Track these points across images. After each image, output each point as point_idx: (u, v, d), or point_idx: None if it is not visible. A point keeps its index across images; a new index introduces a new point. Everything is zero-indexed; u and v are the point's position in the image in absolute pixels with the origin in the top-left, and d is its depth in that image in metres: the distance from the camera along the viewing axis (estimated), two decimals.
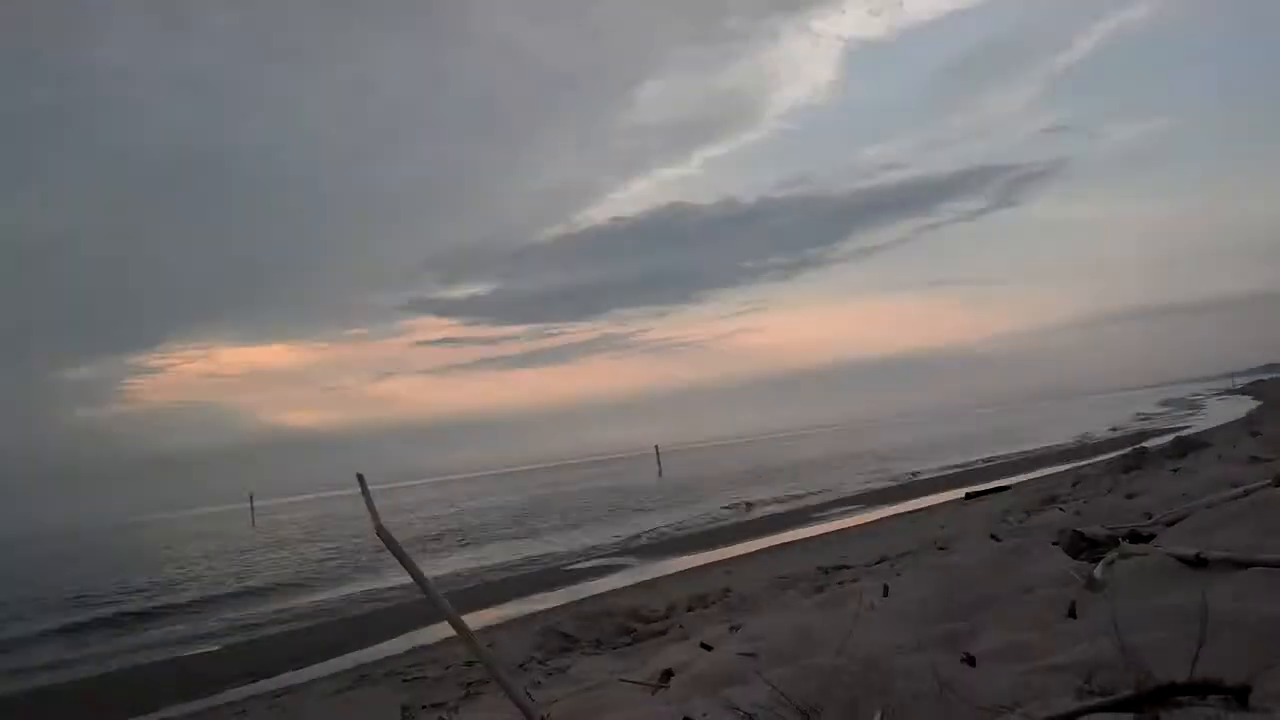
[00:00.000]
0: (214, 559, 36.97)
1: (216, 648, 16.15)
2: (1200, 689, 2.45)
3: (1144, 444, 20.29)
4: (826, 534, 19.99)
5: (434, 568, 23.05)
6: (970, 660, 3.34)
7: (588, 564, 21.15)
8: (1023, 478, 24.72)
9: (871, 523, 20.66)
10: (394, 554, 3.97)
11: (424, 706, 7.92)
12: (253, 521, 77.09)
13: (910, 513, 20.98)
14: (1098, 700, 2.55)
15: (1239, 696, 2.39)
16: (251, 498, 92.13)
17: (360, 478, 4.21)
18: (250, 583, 25.63)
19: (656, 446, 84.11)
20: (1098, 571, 4.38)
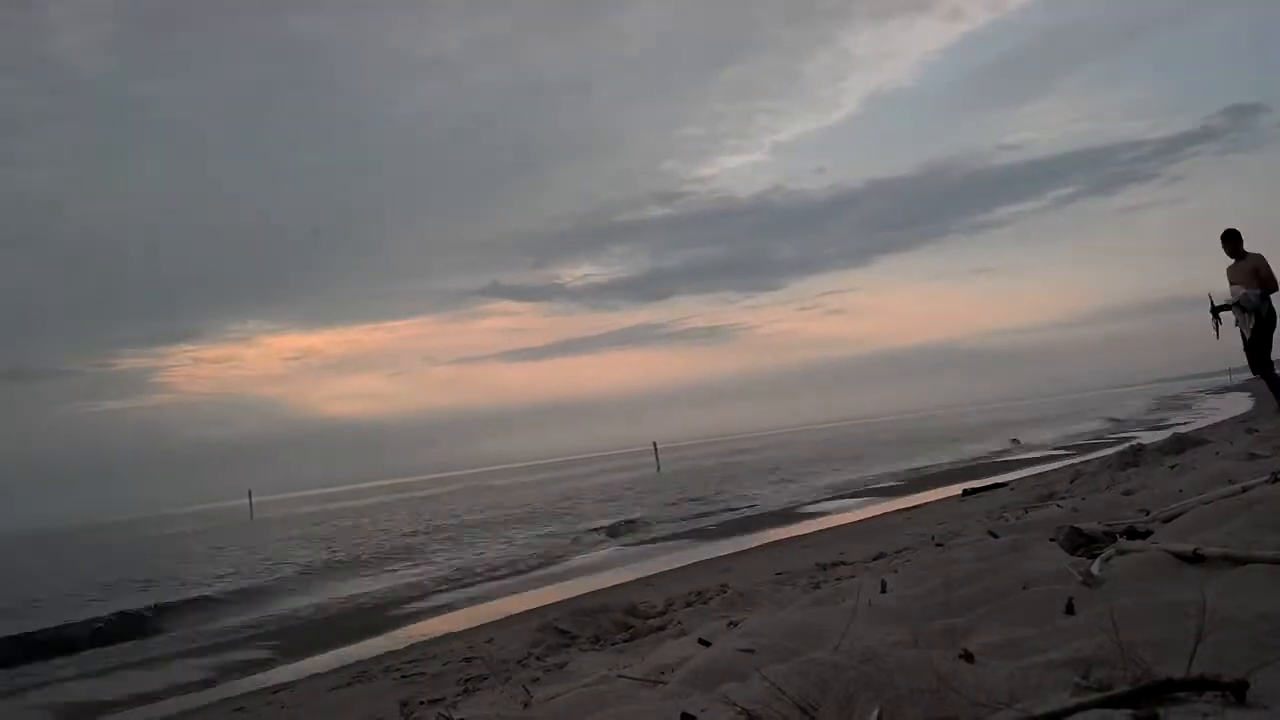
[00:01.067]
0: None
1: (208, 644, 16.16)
2: (1197, 685, 2.44)
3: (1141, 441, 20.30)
4: (825, 530, 20.05)
5: None
6: (968, 656, 3.34)
7: None
8: (1021, 474, 24.75)
9: (869, 519, 20.73)
10: None
11: (423, 702, 7.92)
12: (251, 516, 77.99)
13: (908, 509, 21.03)
14: (1095, 696, 2.54)
15: (1236, 692, 2.39)
16: (250, 494, 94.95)
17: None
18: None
19: (655, 442, 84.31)
20: (1095, 568, 4.38)
